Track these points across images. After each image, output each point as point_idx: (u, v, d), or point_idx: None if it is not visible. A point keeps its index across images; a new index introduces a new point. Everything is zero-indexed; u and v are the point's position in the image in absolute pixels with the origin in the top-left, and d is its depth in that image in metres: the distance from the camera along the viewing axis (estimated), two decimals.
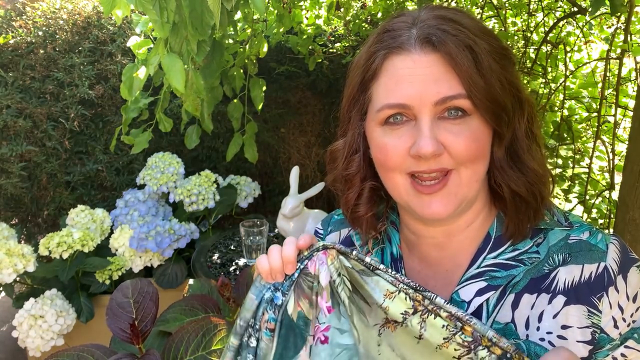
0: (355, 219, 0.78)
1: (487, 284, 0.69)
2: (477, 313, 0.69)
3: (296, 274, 0.69)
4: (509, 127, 0.67)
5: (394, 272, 0.67)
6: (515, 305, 0.68)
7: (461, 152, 0.65)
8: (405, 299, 0.64)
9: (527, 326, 0.67)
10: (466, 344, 0.60)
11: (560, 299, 0.66)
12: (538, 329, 0.66)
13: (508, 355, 0.59)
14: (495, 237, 0.72)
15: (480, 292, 0.69)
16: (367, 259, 0.68)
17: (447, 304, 0.62)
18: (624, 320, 0.66)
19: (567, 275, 0.67)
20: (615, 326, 0.65)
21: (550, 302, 0.67)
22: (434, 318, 0.62)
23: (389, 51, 0.67)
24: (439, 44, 0.63)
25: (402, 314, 0.64)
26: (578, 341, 0.65)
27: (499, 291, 0.69)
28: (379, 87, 0.68)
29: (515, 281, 0.69)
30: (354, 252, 0.68)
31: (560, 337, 0.66)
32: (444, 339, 0.61)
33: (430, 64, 0.64)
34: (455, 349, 0.60)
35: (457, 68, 0.63)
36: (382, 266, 0.67)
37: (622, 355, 0.65)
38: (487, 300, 0.69)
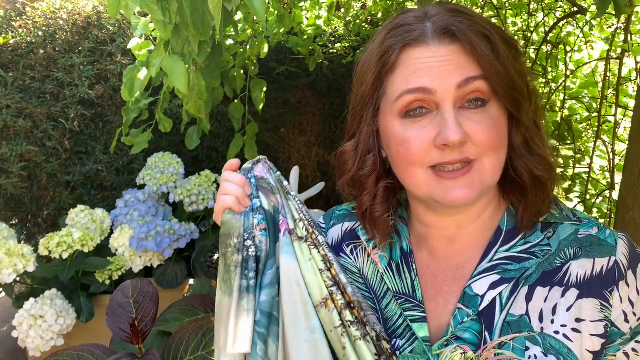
0: (372, 220, 0.78)
1: (500, 277, 0.70)
2: (490, 306, 0.69)
3: (253, 181, 0.79)
4: (525, 113, 0.69)
5: (298, 201, 0.78)
6: (529, 297, 0.68)
7: (484, 140, 0.66)
8: (303, 228, 0.76)
9: (541, 319, 0.67)
10: (331, 281, 0.72)
11: (573, 292, 0.67)
12: (552, 322, 0.67)
13: (352, 305, 0.70)
14: (506, 230, 0.73)
15: (493, 286, 0.70)
16: (285, 183, 0.80)
17: (324, 243, 0.74)
18: (634, 314, 0.66)
19: (579, 268, 0.68)
20: (626, 320, 0.66)
21: (563, 295, 0.67)
22: (317, 252, 0.74)
23: (407, 44, 0.68)
24: (460, 33, 0.65)
25: (301, 237, 0.76)
26: (592, 334, 0.65)
27: (512, 284, 0.69)
28: (395, 79, 0.69)
29: (528, 274, 0.69)
30: (277, 173, 0.81)
31: (574, 330, 0.66)
32: (319, 269, 0.73)
33: (449, 53, 0.66)
34: (324, 281, 0.72)
35: (478, 56, 0.65)
36: (293, 193, 0.79)
37: (634, 350, 0.66)
38: (501, 293, 0.69)
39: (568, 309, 0.66)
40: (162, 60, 1.38)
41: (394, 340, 0.74)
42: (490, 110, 0.67)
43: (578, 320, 0.66)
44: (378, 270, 0.79)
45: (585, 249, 0.69)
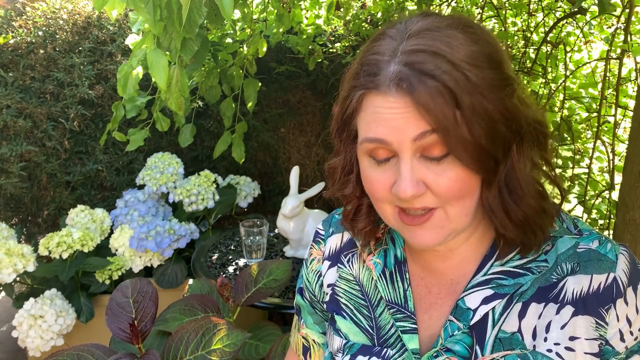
0: (354, 231, 0.78)
1: (494, 292, 0.68)
2: (482, 321, 0.68)
3: None
4: (496, 172, 0.63)
5: None
6: (522, 314, 0.67)
7: (444, 192, 0.61)
8: None
9: (534, 336, 0.66)
10: None
11: (569, 310, 0.66)
12: (545, 339, 0.65)
13: None
14: (502, 243, 0.70)
15: (486, 300, 0.68)
16: None
17: None
18: (631, 333, 0.65)
19: (575, 285, 0.66)
20: (622, 339, 0.64)
21: (558, 312, 0.66)
22: None
23: (366, 91, 0.63)
24: (410, 90, 0.58)
25: None
26: (586, 353, 0.64)
27: (505, 299, 0.68)
28: (360, 121, 0.66)
29: (522, 290, 0.68)
30: None
31: (568, 348, 0.65)
32: None
33: (406, 105, 0.59)
34: None
35: (430, 117, 0.58)
36: None
37: None
38: (493, 308, 0.68)
39: (562, 327, 0.65)
40: (146, 52, 1.38)
41: (385, 349, 0.74)
42: (454, 162, 0.60)
43: (572, 338, 0.65)
44: (372, 277, 0.79)
45: (584, 264, 0.67)
